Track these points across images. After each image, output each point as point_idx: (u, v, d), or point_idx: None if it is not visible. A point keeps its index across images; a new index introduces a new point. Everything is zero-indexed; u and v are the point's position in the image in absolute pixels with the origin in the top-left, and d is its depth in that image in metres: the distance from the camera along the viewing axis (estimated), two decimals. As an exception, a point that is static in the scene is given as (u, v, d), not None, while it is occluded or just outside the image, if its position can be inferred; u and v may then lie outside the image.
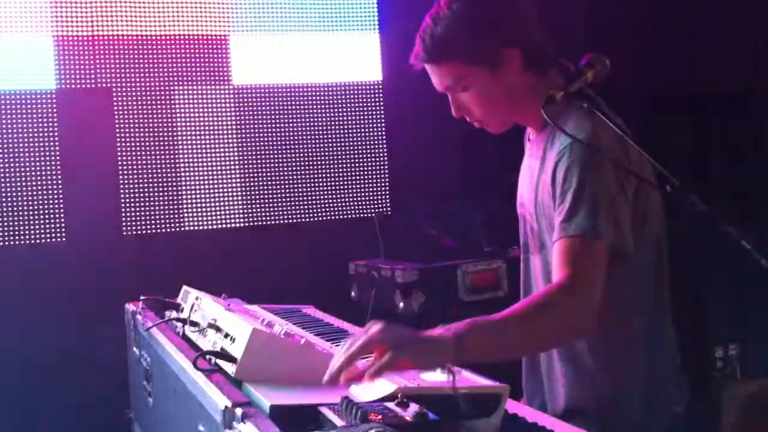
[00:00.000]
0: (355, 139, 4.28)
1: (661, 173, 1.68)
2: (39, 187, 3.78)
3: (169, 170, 3.98)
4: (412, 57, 1.94)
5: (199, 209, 4.02)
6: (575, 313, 1.73)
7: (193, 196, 4.02)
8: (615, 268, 1.77)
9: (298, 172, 4.17)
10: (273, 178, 4.13)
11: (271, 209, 4.13)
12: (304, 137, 4.19)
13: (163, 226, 3.96)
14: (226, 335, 1.76)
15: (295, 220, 4.16)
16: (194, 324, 2.01)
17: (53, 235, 3.79)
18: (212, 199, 4.04)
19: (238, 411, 1.41)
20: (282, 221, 4.14)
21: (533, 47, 1.88)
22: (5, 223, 3.72)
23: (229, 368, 1.64)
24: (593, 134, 1.78)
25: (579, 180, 1.76)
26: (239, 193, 4.09)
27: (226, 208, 4.07)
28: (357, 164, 4.28)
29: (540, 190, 1.89)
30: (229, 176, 4.07)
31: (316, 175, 4.20)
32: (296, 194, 4.16)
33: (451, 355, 1.59)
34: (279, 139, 4.15)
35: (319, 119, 4.22)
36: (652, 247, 1.91)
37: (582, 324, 1.74)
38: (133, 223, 3.92)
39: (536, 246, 1.96)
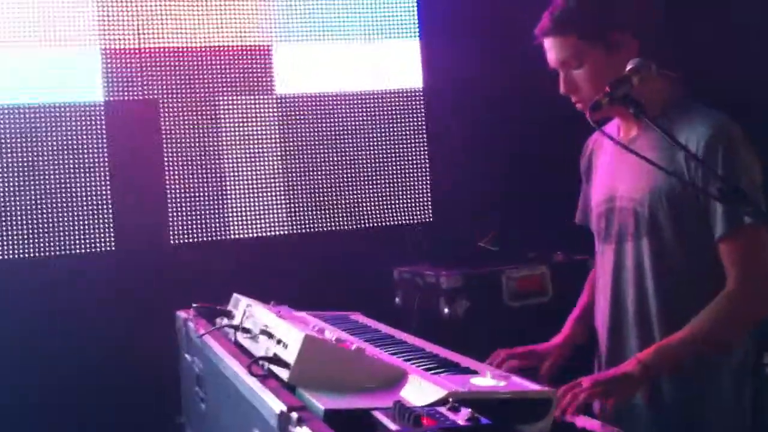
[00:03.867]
0: (397, 145, 4.30)
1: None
2: (88, 198, 3.86)
3: (215, 179, 4.04)
4: (537, 29, 2.07)
5: (245, 217, 4.07)
6: (757, 315, 1.95)
7: (239, 205, 4.07)
8: None
9: (342, 180, 4.20)
10: (317, 185, 4.17)
11: (315, 217, 4.16)
12: (347, 145, 4.22)
13: (210, 234, 4.01)
14: (279, 341, 1.79)
15: (339, 228, 4.18)
16: (246, 331, 2.05)
17: (103, 244, 3.86)
18: (258, 207, 4.09)
19: (294, 415, 1.43)
20: (326, 228, 4.17)
21: (650, 41, 2.00)
22: (56, 233, 3.80)
23: (283, 374, 1.67)
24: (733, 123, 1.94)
25: (745, 167, 1.91)
26: (284, 201, 4.13)
27: (272, 215, 4.11)
28: (399, 170, 4.30)
29: (660, 179, 1.96)
30: (274, 184, 4.12)
31: (359, 182, 4.23)
32: (340, 201, 4.19)
33: (641, 384, 1.88)
34: (322, 146, 4.18)
35: (362, 127, 4.25)
36: None
37: (762, 315, 1.95)
38: (181, 232, 3.98)
39: (635, 234, 2.04)
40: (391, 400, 1.45)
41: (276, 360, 1.71)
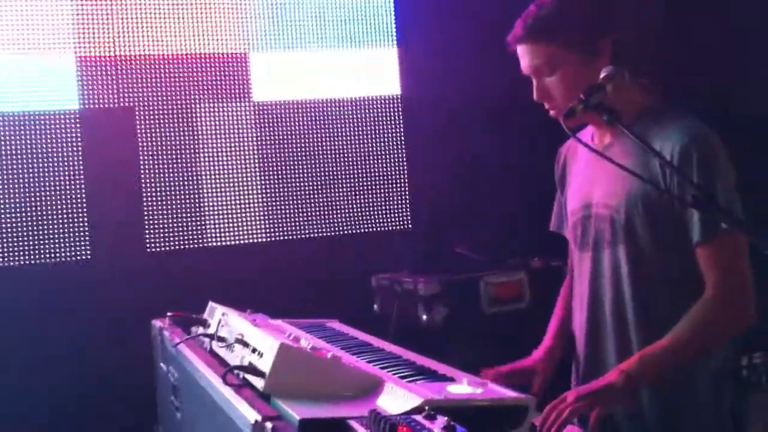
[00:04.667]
0: (375, 152, 4.30)
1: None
2: (64, 206, 3.83)
3: (191, 187, 4.02)
4: (510, 37, 2.05)
5: (221, 225, 4.06)
6: (738, 320, 1.92)
7: (216, 212, 4.05)
8: None
9: (319, 187, 4.20)
10: (294, 192, 4.16)
11: (293, 224, 4.15)
12: (325, 152, 4.22)
13: (186, 242, 3.99)
14: (254, 350, 1.78)
15: (316, 235, 4.18)
16: (221, 339, 2.03)
17: (78, 252, 3.83)
18: (235, 215, 4.07)
19: (268, 425, 1.43)
20: (304, 235, 4.16)
21: (623, 45, 1.99)
22: (31, 241, 3.77)
23: (258, 383, 1.66)
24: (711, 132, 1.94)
25: (720, 174, 1.90)
26: (261, 209, 4.12)
27: (249, 223, 4.10)
28: (377, 177, 4.30)
29: (636, 185, 1.95)
30: (250, 192, 4.10)
31: (337, 189, 4.22)
32: (317, 208, 4.19)
33: (625, 395, 1.85)
34: (300, 154, 4.18)
35: (339, 134, 4.25)
36: None
37: (744, 324, 1.92)
38: (157, 240, 3.96)
39: (612, 241, 2.03)
40: (367, 409, 1.45)
41: (251, 369, 1.70)
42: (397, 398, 1.58)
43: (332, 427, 1.45)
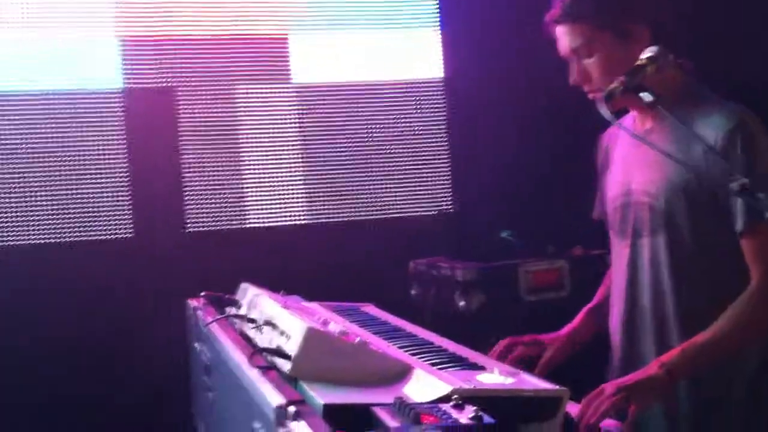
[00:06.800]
0: (416, 136, 4.26)
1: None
2: (107, 184, 3.86)
3: (231, 168, 4.03)
4: (547, 17, 2.03)
5: (261, 206, 4.06)
6: None
7: (256, 194, 4.05)
8: None
9: (360, 170, 4.17)
10: (334, 175, 4.14)
11: (332, 206, 4.14)
12: (365, 135, 4.19)
13: (226, 222, 4.00)
14: (282, 333, 1.76)
15: (355, 218, 4.16)
16: (252, 321, 2.02)
17: (121, 230, 3.87)
18: (274, 197, 4.07)
19: (291, 409, 1.40)
20: (343, 218, 4.14)
21: (663, 30, 1.95)
22: (75, 219, 3.81)
23: (284, 366, 1.64)
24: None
25: (766, 160, 1.85)
26: (301, 191, 4.11)
27: (288, 205, 4.09)
28: (419, 161, 4.26)
29: (677, 172, 1.90)
30: (290, 174, 4.10)
31: (377, 173, 4.19)
32: (357, 192, 4.17)
33: (665, 389, 1.79)
34: (340, 136, 4.15)
35: (381, 117, 4.21)
36: None
37: None
38: (197, 220, 3.97)
39: (651, 230, 1.98)
40: (393, 396, 1.42)
41: (277, 352, 1.68)
42: (425, 386, 1.55)
43: (356, 414, 1.42)
